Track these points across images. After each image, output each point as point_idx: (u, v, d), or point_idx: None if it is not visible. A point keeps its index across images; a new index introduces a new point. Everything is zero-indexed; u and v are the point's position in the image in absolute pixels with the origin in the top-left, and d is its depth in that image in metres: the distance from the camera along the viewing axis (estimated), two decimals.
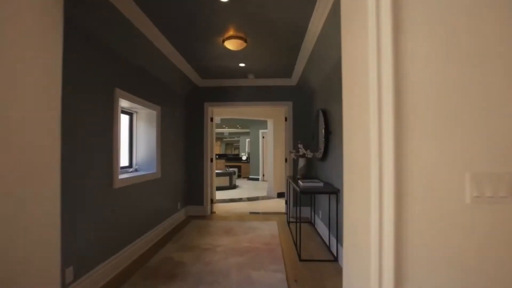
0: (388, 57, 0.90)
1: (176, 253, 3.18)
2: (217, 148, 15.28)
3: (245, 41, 3.13)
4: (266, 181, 10.59)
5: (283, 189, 6.94)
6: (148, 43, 2.95)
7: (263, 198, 6.93)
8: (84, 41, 2.23)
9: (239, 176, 12.32)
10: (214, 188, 6.17)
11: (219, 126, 13.33)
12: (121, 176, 2.96)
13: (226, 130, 14.56)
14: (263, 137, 11.11)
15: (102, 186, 2.46)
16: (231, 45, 3.13)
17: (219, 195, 7.21)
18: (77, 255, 2.12)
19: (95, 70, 2.37)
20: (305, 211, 4.81)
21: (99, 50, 2.43)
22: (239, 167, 12.56)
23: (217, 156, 13.75)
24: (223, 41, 3.13)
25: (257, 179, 11.07)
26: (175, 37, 3.11)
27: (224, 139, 15.44)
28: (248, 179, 11.50)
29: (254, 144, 11.33)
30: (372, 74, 0.95)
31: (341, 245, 2.85)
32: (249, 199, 6.75)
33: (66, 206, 2.01)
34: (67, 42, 1.95)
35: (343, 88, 1.35)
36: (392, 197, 0.89)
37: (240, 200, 6.68)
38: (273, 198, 6.90)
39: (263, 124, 10.72)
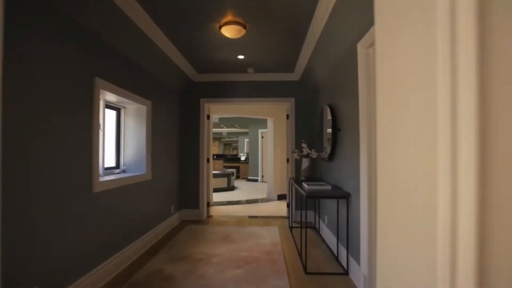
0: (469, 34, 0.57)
1: (167, 264, 2.84)
2: (215, 149, 14.97)
3: (244, 27, 2.81)
4: (265, 182, 10.26)
5: (284, 191, 6.61)
6: (134, 26, 2.62)
7: (262, 200, 6.60)
8: (54, 18, 1.89)
9: (237, 177, 11.98)
10: (211, 190, 5.84)
11: (217, 126, 13.00)
12: (104, 179, 2.62)
13: (224, 130, 14.24)
14: (263, 137, 10.78)
15: (79, 191, 2.12)
16: (229, 32, 2.80)
17: (217, 197, 6.87)
18: (44, 272, 1.78)
19: (69, 55, 2.03)
20: (309, 215, 4.49)
21: (74, 31, 2.09)
22: (237, 168, 12.23)
23: (215, 157, 13.45)
24: (220, 27, 2.81)
25: (256, 180, 10.74)
26: (166, 22, 2.78)
27: (222, 139, 15.13)
28: (247, 180, 11.17)
29: (253, 144, 11.00)
30: (442, 64, 0.62)
31: (352, 256, 2.53)
32: (248, 202, 6.42)
33: (30, 216, 1.67)
34: (32, 19, 1.61)
35: (377, 81, 1.01)
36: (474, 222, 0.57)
37: (238, 202, 6.34)
38: (273, 200, 6.57)
39: (262, 123, 10.39)
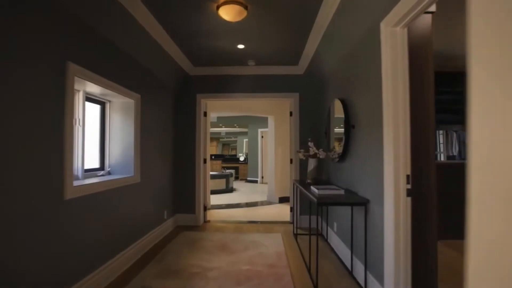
0: None
1: (156, 279, 2.47)
2: (213, 149, 14.63)
3: (246, 8, 2.45)
4: (265, 183, 9.91)
5: (286, 194, 6.26)
6: (119, 7, 2.25)
7: (263, 203, 6.23)
8: None
9: (236, 178, 11.62)
10: (209, 193, 5.49)
11: (215, 125, 12.65)
12: (84, 182, 2.25)
13: (223, 130, 13.87)
14: (262, 136, 10.43)
15: (46, 199, 1.75)
16: (228, 13, 2.44)
17: (215, 199, 6.50)
18: None
19: (30, 29, 1.66)
20: (314, 220, 4.14)
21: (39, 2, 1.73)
22: (236, 169, 11.87)
23: (213, 157, 13.11)
24: (218, 7, 2.44)
25: (256, 181, 10.38)
26: (156, 2, 2.41)
27: (221, 139, 14.77)
28: (246, 181, 10.81)
29: (253, 144, 10.64)
30: None
31: (372, 273, 2.17)
32: (248, 205, 6.05)
33: None
34: None
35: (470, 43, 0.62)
36: None
37: (238, 206, 5.97)
38: (274, 203, 6.20)
39: (262, 122, 10.03)
